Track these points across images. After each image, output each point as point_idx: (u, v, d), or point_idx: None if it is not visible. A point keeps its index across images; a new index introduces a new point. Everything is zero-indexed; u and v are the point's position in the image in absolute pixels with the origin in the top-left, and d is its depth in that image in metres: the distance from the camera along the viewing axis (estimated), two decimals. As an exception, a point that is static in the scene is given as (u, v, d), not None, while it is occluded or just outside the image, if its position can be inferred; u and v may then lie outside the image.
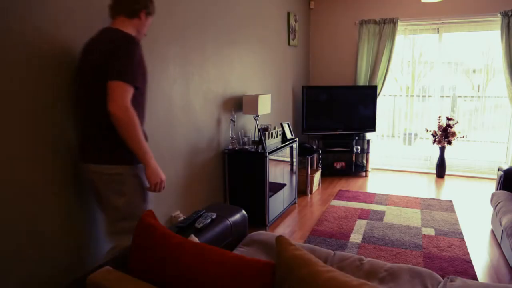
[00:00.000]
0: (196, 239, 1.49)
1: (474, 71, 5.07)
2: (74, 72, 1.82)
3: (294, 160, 3.91)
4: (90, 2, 1.91)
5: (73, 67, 1.82)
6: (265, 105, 3.46)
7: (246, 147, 3.32)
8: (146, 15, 1.80)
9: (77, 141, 1.87)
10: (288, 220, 3.53)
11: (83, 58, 1.72)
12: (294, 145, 3.86)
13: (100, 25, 1.83)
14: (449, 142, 4.79)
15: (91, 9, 1.92)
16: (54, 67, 1.74)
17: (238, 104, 3.50)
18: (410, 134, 5.46)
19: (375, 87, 4.98)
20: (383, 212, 3.65)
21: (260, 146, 3.25)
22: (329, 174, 5.14)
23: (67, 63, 1.80)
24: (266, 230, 3.25)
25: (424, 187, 4.53)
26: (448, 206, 3.82)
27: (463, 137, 4.93)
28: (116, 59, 1.59)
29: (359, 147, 5.12)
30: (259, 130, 3.32)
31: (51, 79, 1.73)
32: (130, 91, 1.61)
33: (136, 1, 1.74)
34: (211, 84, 3.06)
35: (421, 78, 5.31)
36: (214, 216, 1.91)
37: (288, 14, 4.57)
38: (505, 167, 3.18)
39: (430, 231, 3.20)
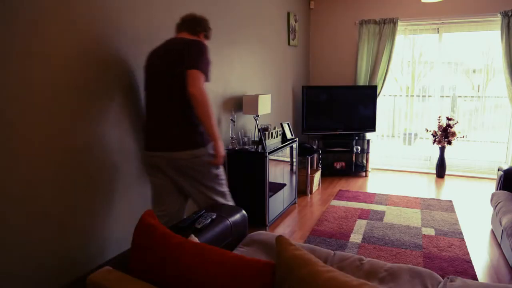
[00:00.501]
0: (196, 239, 1.49)
1: (474, 71, 5.07)
2: (145, 78, 2.11)
3: (294, 160, 3.91)
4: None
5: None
6: (265, 105, 3.46)
7: (246, 147, 3.32)
8: (204, 37, 2.21)
9: (147, 136, 2.11)
10: (288, 220, 3.53)
11: (154, 63, 2.04)
12: (294, 145, 3.86)
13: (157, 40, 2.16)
14: (449, 142, 4.79)
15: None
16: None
17: (238, 104, 3.49)
18: (410, 134, 5.47)
19: (375, 87, 4.98)
20: (383, 212, 3.65)
21: (260, 146, 3.25)
22: (329, 174, 5.14)
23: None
24: (266, 230, 3.25)
25: (424, 187, 4.54)
26: (448, 206, 3.82)
27: (463, 137, 4.93)
28: (192, 54, 1.94)
29: (359, 147, 5.12)
30: (259, 130, 3.32)
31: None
32: (203, 79, 1.97)
33: (199, 24, 2.16)
34: (211, 84, 3.06)
35: (421, 78, 5.31)
36: (214, 216, 1.90)
37: (288, 14, 4.57)
38: (505, 167, 3.18)
39: (430, 231, 3.20)
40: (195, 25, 2.15)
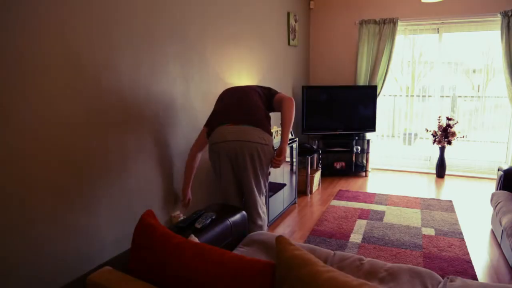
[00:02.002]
0: (196, 239, 1.49)
1: (474, 71, 5.07)
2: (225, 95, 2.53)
3: (294, 160, 3.91)
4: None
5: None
6: (265, 105, 3.46)
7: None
8: None
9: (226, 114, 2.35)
10: (288, 220, 3.53)
11: (232, 94, 2.50)
12: (294, 145, 3.86)
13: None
14: (449, 142, 4.79)
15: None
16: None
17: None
18: (410, 134, 5.47)
19: (375, 87, 4.98)
20: (383, 212, 3.65)
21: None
22: (329, 174, 5.14)
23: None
24: (266, 230, 3.25)
25: (424, 187, 4.54)
26: (448, 206, 3.82)
27: (463, 137, 4.93)
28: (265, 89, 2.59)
29: (359, 147, 5.12)
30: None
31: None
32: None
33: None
34: (211, 84, 3.06)
35: (421, 78, 5.31)
36: (214, 216, 1.91)
37: (288, 14, 4.57)
38: (505, 167, 3.18)
39: (430, 231, 3.20)
40: None
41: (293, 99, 2.41)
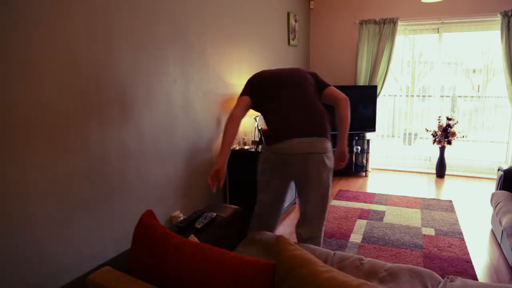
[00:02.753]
0: (196, 239, 1.49)
1: (474, 71, 5.07)
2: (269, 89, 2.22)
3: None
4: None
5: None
6: (265, 105, 3.45)
7: (246, 147, 3.32)
8: None
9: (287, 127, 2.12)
10: (288, 220, 3.53)
11: (282, 79, 2.25)
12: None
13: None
14: (449, 142, 4.79)
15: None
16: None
17: (238, 104, 3.49)
18: (410, 134, 5.46)
19: (375, 87, 4.98)
20: (383, 212, 3.65)
21: (260, 146, 3.25)
22: (329, 174, 5.13)
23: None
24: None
25: (424, 187, 4.53)
26: (448, 206, 3.82)
27: (463, 137, 4.93)
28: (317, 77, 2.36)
29: (359, 147, 5.12)
30: (259, 130, 3.32)
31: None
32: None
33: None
34: (211, 84, 3.06)
35: (421, 78, 5.31)
36: (214, 216, 1.91)
37: (288, 14, 4.57)
38: (505, 167, 3.18)
39: (430, 231, 3.20)
40: None
41: (347, 98, 2.29)
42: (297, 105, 2.17)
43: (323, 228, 2.25)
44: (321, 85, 2.33)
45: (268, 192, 2.24)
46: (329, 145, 2.17)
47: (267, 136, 2.17)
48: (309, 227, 2.19)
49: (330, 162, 2.16)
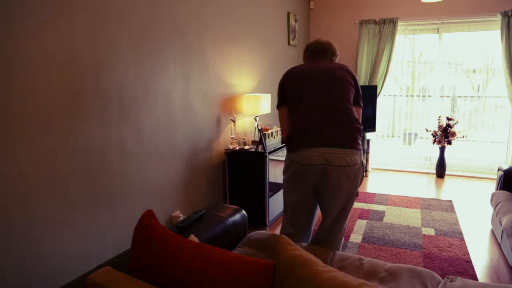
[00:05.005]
0: (196, 239, 1.49)
1: (474, 71, 5.07)
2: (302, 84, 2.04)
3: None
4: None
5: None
6: (265, 105, 3.46)
7: (246, 147, 3.32)
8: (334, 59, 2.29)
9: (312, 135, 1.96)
10: (288, 220, 3.52)
11: (314, 75, 2.04)
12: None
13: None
14: (449, 142, 4.79)
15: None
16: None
17: (238, 104, 3.50)
18: (410, 134, 5.46)
19: (375, 87, 4.98)
20: (383, 212, 3.65)
21: (260, 146, 3.25)
22: (329, 174, 5.13)
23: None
24: (266, 230, 3.25)
25: (424, 187, 4.53)
26: (448, 206, 3.82)
27: (463, 137, 4.93)
28: (358, 88, 2.10)
29: (359, 147, 5.12)
30: (259, 130, 3.32)
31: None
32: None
33: (333, 53, 2.23)
34: (211, 84, 3.06)
35: (421, 78, 5.31)
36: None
37: (288, 14, 4.57)
38: (505, 167, 3.18)
39: (430, 231, 3.20)
40: (332, 54, 2.24)
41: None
42: (325, 107, 1.96)
43: (341, 242, 2.11)
44: (356, 98, 2.09)
45: (292, 197, 2.08)
46: (356, 157, 1.94)
47: (286, 142, 2.04)
48: (326, 243, 2.08)
49: (356, 175, 1.96)
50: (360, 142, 1.99)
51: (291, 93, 2.06)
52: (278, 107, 2.15)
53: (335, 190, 1.96)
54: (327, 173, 1.94)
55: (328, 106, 1.96)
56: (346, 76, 2.04)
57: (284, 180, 2.12)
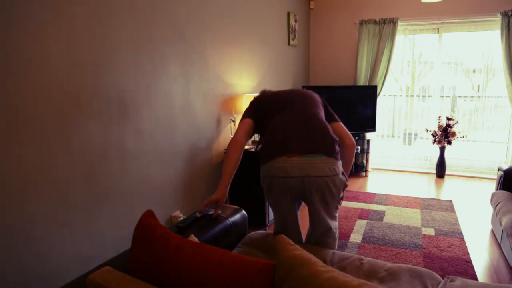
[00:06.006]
0: (196, 239, 1.49)
1: (474, 71, 5.07)
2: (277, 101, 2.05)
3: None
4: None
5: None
6: (265, 105, 3.45)
7: (246, 147, 3.32)
8: None
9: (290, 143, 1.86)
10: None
11: (287, 96, 2.06)
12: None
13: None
14: (449, 142, 4.79)
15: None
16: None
17: (238, 104, 3.50)
18: (410, 134, 5.47)
19: (375, 87, 4.98)
20: (383, 212, 3.65)
21: (260, 146, 3.25)
22: (329, 174, 5.12)
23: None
24: (266, 230, 3.25)
25: (424, 187, 4.53)
26: (448, 206, 3.82)
27: (463, 137, 4.93)
28: (326, 106, 2.13)
29: (359, 147, 5.12)
30: (259, 130, 3.32)
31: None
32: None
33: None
34: (211, 84, 3.06)
35: (421, 78, 5.31)
36: (212, 211, 1.91)
37: (288, 14, 4.57)
38: (505, 167, 3.18)
39: (430, 231, 3.20)
40: None
41: (355, 144, 2.10)
42: (300, 118, 1.90)
43: (336, 236, 2.01)
44: (329, 115, 2.08)
45: (279, 212, 1.98)
46: (336, 167, 1.85)
47: (260, 153, 1.95)
48: (316, 238, 1.98)
49: (336, 185, 1.87)
50: (338, 153, 1.90)
51: (267, 106, 2.02)
52: (243, 118, 2.04)
53: (316, 203, 1.87)
54: (305, 186, 1.83)
55: (305, 117, 1.92)
56: (314, 95, 2.11)
57: (263, 190, 2.01)
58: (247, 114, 2.05)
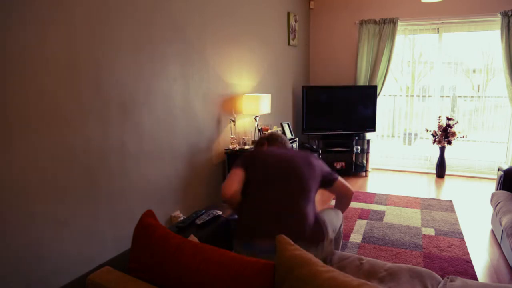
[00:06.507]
0: (196, 239, 1.49)
1: (474, 71, 5.07)
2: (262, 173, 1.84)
3: (294, 160, 3.89)
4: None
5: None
6: (265, 105, 3.46)
7: (246, 147, 3.32)
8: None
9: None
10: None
11: (276, 171, 1.84)
12: (294, 145, 3.86)
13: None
14: (449, 142, 4.79)
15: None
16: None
17: (238, 104, 3.50)
18: (410, 134, 5.47)
19: (375, 87, 4.98)
20: (383, 212, 3.65)
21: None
22: (329, 174, 5.13)
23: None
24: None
25: (424, 187, 4.53)
26: (448, 206, 3.82)
27: (463, 137, 4.93)
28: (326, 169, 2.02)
29: (359, 147, 5.12)
30: (259, 130, 3.32)
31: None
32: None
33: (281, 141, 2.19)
34: (211, 84, 3.06)
35: (421, 78, 5.31)
36: (216, 213, 1.91)
37: (288, 14, 4.57)
38: (505, 167, 3.18)
39: (430, 231, 3.20)
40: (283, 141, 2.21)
41: (353, 192, 2.14)
42: (275, 212, 1.73)
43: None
44: (327, 182, 2.00)
45: None
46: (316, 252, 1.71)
47: (236, 225, 1.82)
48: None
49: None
50: (324, 233, 1.76)
51: (255, 171, 1.87)
52: (235, 167, 1.91)
53: None
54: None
55: (281, 211, 1.74)
56: (312, 168, 1.90)
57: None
58: (240, 165, 1.91)
